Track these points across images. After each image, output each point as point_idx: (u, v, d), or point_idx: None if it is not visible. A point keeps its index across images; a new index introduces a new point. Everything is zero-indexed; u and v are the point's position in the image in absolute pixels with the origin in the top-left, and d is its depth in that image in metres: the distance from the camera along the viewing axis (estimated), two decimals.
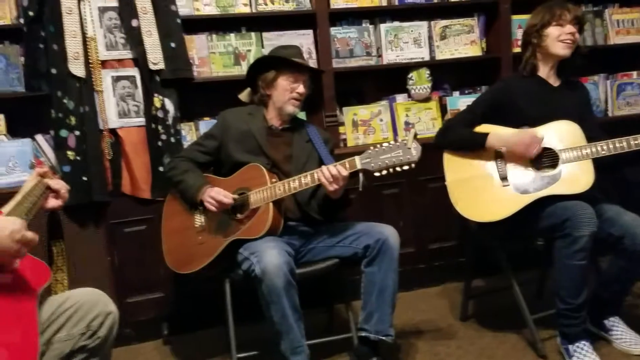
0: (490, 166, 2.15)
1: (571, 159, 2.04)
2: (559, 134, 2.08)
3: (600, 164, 2.03)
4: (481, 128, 2.20)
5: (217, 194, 2.01)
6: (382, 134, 2.89)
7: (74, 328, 1.25)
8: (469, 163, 2.19)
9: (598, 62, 3.16)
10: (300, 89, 2.14)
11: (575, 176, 2.02)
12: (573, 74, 2.29)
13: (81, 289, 1.34)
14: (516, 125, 2.14)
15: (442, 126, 2.37)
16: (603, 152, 2.01)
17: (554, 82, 2.22)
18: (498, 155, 2.14)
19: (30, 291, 1.19)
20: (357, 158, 1.90)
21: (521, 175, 2.10)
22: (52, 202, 1.52)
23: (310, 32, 2.77)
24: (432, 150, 2.63)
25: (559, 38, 2.12)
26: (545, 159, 2.09)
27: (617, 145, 1.99)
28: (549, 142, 2.08)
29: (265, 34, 2.71)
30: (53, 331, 1.23)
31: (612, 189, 2.71)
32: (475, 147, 2.15)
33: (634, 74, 3.17)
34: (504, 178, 2.12)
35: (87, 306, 1.27)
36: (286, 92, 2.13)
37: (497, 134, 2.12)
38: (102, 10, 2.39)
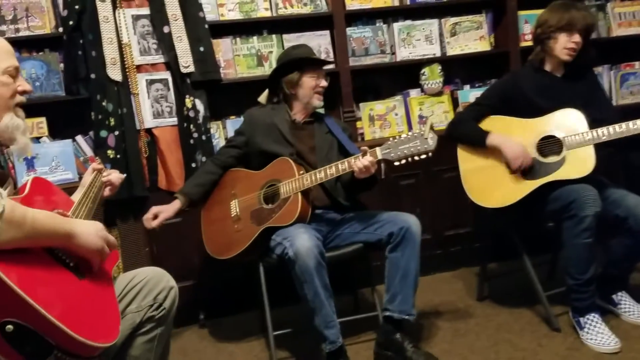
0: (500, 155, 2.27)
1: (574, 145, 2.17)
2: (563, 122, 2.21)
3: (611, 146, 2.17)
4: (491, 119, 2.34)
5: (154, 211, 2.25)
6: (398, 127, 3.04)
7: (143, 300, 1.42)
8: (481, 153, 2.33)
9: (602, 53, 3.28)
10: (323, 82, 2.33)
11: (578, 161, 2.16)
12: (582, 66, 2.44)
13: (146, 268, 1.52)
14: (525, 116, 2.28)
15: (454, 118, 2.51)
16: (604, 137, 2.12)
17: (559, 72, 2.36)
18: None
19: (105, 270, 1.36)
20: (377, 149, 2.05)
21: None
22: (106, 192, 1.73)
23: (327, 32, 2.92)
24: (446, 141, 2.79)
25: (565, 46, 2.25)
26: (551, 146, 2.23)
27: (617, 129, 2.11)
28: (553, 131, 2.22)
29: (285, 36, 2.87)
30: (126, 304, 1.40)
31: (618, 173, 2.88)
32: (478, 144, 2.32)
33: (637, 64, 3.30)
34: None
35: (153, 282, 1.45)
36: (310, 89, 2.31)
37: (497, 135, 2.26)
38: (136, 18, 2.56)
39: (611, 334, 2.07)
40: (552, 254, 2.72)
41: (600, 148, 2.15)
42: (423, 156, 2.00)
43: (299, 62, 2.31)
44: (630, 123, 2.10)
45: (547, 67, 2.36)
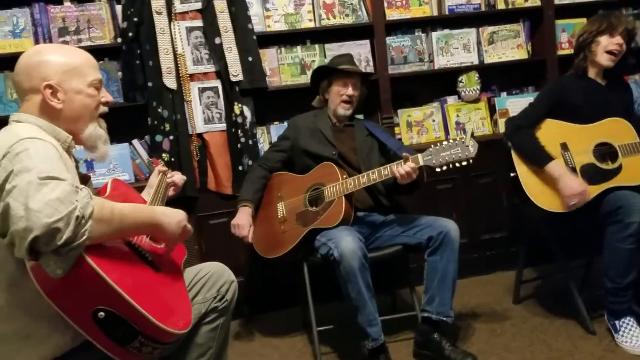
0: (559, 159, 2.29)
1: (628, 153, 2.25)
2: (615, 130, 2.28)
3: None
4: (546, 123, 2.36)
5: (236, 221, 2.37)
6: (435, 133, 3.14)
7: (207, 292, 1.56)
8: None
9: (639, 61, 3.32)
10: (349, 91, 2.43)
11: (634, 169, 2.23)
12: (619, 75, 2.50)
13: (209, 262, 1.66)
14: (570, 121, 2.33)
15: (513, 124, 2.42)
16: None
17: (602, 81, 2.42)
18: (565, 149, 2.32)
19: (177, 264, 1.50)
20: (419, 155, 2.15)
21: (588, 168, 2.27)
22: (171, 192, 1.88)
23: (367, 41, 3.03)
24: (481, 148, 2.86)
25: (606, 48, 2.31)
26: (606, 152, 2.29)
27: None
28: (607, 138, 2.28)
29: (327, 45, 2.99)
30: (192, 295, 1.54)
31: None
32: (535, 163, 2.30)
33: None
34: (572, 170, 2.28)
35: (216, 275, 1.58)
36: (337, 96, 2.43)
37: (559, 165, 2.24)
38: (189, 29, 2.72)
39: None
40: (587, 259, 2.77)
41: None
42: (464, 163, 2.10)
43: (330, 70, 2.44)
44: None
45: (591, 75, 2.42)
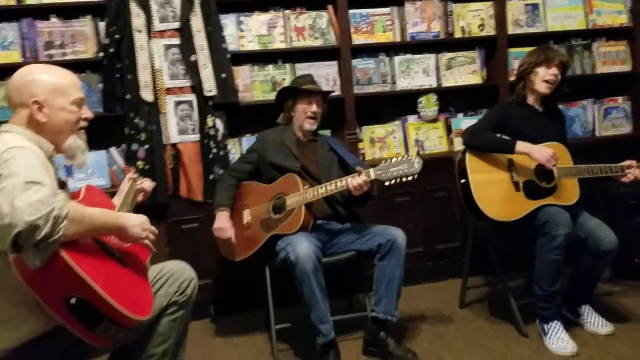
0: (506, 173, 2.53)
1: (563, 175, 2.50)
2: None
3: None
4: None
5: (218, 225, 2.56)
6: (396, 149, 3.37)
7: (169, 287, 1.75)
8: (489, 168, 2.53)
9: (586, 88, 3.61)
10: (313, 108, 2.65)
11: (567, 189, 2.50)
12: (555, 102, 2.76)
13: (172, 261, 1.86)
14: None
15: (471, 129, 2.62)
16: (584, 174, 2.49)
17: (540, 108, 2.68)
18: (511, 165, 2.54)
19: (141, 261, 1.70)
20: (371, 170, 2.37)
21: (529, 185, 2.51)
22: (140, 197, 2.08)
23: (335, 63, 3.26)
24: (438, 164, 3.13)
25: (544, 78, 2.57)
26: (543, 173, 2.52)
27: (596, 169, 2.48)
28: None
29: (297, 65, 3.21)
30: (155, 289, 1.72)
31: (597, 200, 3.17)
32: (505, 151, 2.49)
33: (619, 99, 3.61)
34: (516, 184, 2.51)
35: (177, 273, 1.78)
36: (302, 113, 2.66)
37: (524, 143, 2.46)
38: (167, 47, 2.92)
39: (570, 340, 2.37)
40: (529, 271, 3.01)
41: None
42: (410, 178, 2.32)
43: (294, 90, 2.66)
44: (606, 166, 2.48)
45: (529, 101, 2.67)
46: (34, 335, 1.48)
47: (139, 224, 1.61)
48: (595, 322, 2.53)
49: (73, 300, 1.38)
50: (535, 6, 3.46)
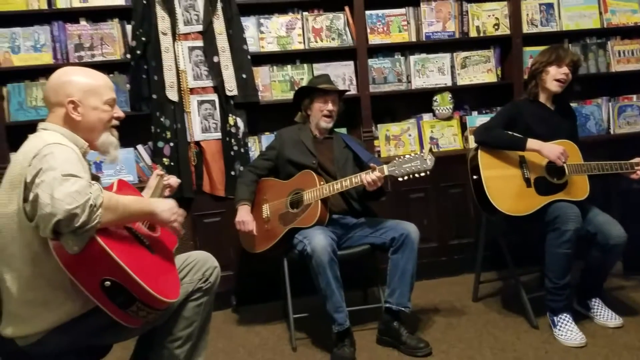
0: (517, 170, 2.59)
1: (573, 172, 2.55)
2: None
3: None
4: None
5: (241, 218, 2.67)
6: (411, 147, 3.46)
7: (194, 275, 1.87)
8: (501, 164, 2.59)
9: (601, 86, 3.65)
10: (329, 107, 2.76)
11: (577, 186, 2.56)
12: (567, 100, 2.82)
13: (197, 251, 1.98)
14: None
15: (483, 127, 2.68)
16: (594, 171, 2.55)
17: (551, 106, 2.74)
18: (522, 162, 2.61)
19: (169, 250, 1.83)
20: (385, 166, 2.46)
21: (540, 181, 2.57)
22: (166, 193, 2.20)
23: (351, 63, 3.36)
24: (452, 161, 3.20)
25: (555, 77, 2.64)
26: (555, 169, 2.58)
27: (606, 166, 2.54)
28: None
29: (315, 65, 3.32)
30: (182, 276, 1.85)
31: (610, 196, 3.22)
32: (516, 148, 2.55)
33: (634, 97, 3.63)
34: (527, 180, 2.58)
35: (202, 262, 1.90)
36: (319, 111, 2.76)
37: (534, 140, 2.52)
38: (191, 49, 3.06)
39: (579, 332, 2.43)
40: (541, 265, 3.07)
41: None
42: (422, 174, 2.41)
43: (311, 89, 2.77)
44: (622, 163, 2.53)
45: (541, 99, 2.73)
46: (71, 317, 1.60)
47: (167, 209, 1.72)
48: (605, 315, 2.58)
49: (108, 283, 1.50)
50: (550, 5, 3.51)
